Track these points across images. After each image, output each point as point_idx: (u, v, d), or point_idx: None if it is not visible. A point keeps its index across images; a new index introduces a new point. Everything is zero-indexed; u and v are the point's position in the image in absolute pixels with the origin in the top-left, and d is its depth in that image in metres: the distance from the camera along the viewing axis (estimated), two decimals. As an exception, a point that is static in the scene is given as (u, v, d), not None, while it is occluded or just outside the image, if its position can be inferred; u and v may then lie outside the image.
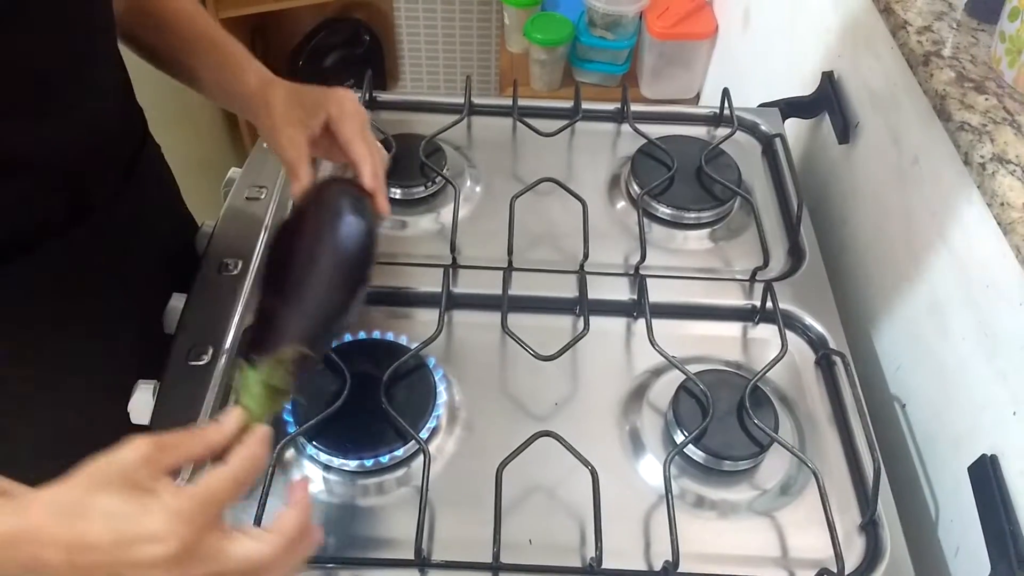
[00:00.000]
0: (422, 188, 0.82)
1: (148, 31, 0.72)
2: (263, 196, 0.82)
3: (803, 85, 1.00)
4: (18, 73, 0.55)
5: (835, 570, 0.58)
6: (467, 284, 0.75)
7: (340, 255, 0.58)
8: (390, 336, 0.69)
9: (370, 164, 0.64)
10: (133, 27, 0.71)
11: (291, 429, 0.62)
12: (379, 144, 0.67)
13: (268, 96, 0.66)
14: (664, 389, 0.68)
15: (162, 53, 0.73)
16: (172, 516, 0.40)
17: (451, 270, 0.75)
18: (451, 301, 0.74)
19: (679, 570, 0.57)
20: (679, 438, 0.64)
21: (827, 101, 0.93)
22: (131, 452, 0.42)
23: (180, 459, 0.44)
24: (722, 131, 0.92)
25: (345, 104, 0.66)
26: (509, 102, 0.92)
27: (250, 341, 0.53)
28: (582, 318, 0.71)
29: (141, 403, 0.66)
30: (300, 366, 0.51)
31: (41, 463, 0.71)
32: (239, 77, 0.68)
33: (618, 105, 0.93)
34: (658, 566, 0.59)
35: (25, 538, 0.41)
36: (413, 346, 0.67)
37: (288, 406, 0.63)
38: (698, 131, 0.93)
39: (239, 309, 0.71)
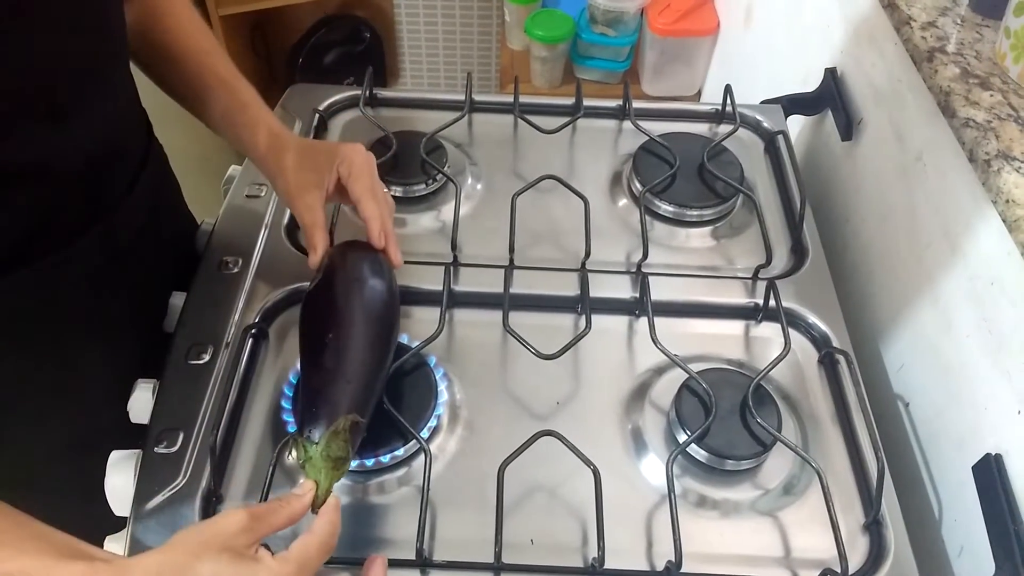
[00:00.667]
0: (423, 186, 0.82)
1: (155, 62, 0.72)
2: (263, 194, 0.81)
3: (806, 82, 1.00)
4: (35, 77, 0.55)
5: (839, 570, 0.57)
6: (468, 282, 0.75)
7: (372, 322, 0.62)
8: (391, 335, 0.68)
9: (378, 223, 0.66)
10: (140, 55, 0.71)
11: (291, 429, 0.62)
12: (387, 194, 0.69)
13: (280, 160, 0.68)
14: (666, 388, 0.68)
15: (170, 86, 0.73)
16: None
17: (452, 268, 0.75)
18: (452, 299, 0.73)
19: (682, 570, 0.57)
20: (682, 437, 0.63)
21: (830, 98, 0.92)
22: (229, 521, 0.46)
23: (270, 529, 0.48)
24: (724, 128, 0.91)
25: (354, 161, 0.67)
26: (510, 99, 0.91)
27: (303, 418, 0.56)
28: (584, 316, 0.71)
29: (141, 402, 0.66)
30: (354, 433, 0.55)
31: (47, 464, 0.71)
32: (250, 132, 0.70)
33: (620, 102, 0.93)
34: (661, 566, 0.58)
35: None
36: (414, 345, 0.66)
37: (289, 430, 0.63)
38: (700, 128, 0.92)
39: (239, 307, 0.71)
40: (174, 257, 0.78)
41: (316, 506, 0.52)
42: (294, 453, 0.56)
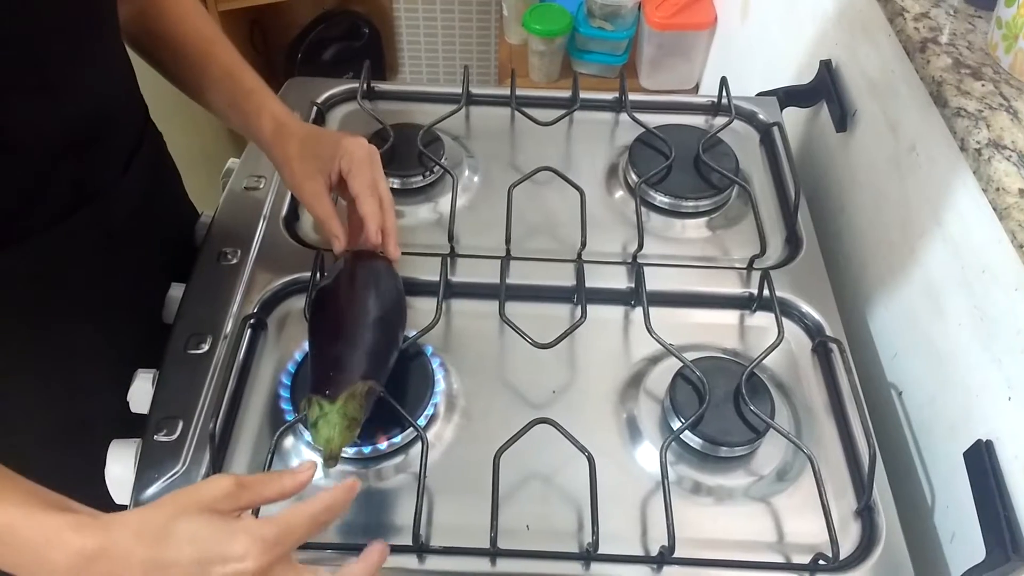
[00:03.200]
0: (420, 178, 0.83)
1: (159, 50, 0.73)
2: (262, 186, 0.82)
3: (801, 74, 1.00)
4: (19, 48, 0.55)
5: (830, 555, 0.58)
6: (465, 273, 0.75)
7: (384, 309, 0.64)
8: (388, 324, 0.69)
9: (376, 220, 0.67)
10: (144, 44, 0.72)
11: (289, 416, 0.63)
12: (387, 190, 0.69)
13: (285, 148, 0.69)
14: (661, 376, 0.68)
15: (174, 74, 0.74)
16: (254, 540, 0.44)
17: (449, 259, 0.75)
18: (449, 290, 0.74)
19: (675, 555, 0.58)
20: (676, 425, 0.64)
21: (825, 89, 0.93)
22: (214, 486, 0.46)
23: (257, 499, 0.48)
24: (720, 120, 0.92)
25: (355, 155, 0.68)
26: (507, 92, 0.91)
27: (320, 380, 0.57)
28: (580, 306, 0.71)
29: (140, 392, 0.67)
30: (368, 398, 0.57)
31: (43, 452, 0.72)
32: (255, 120, 0.70)
33: (616, 94, 0.93)
34: (654, 551, 0.59)
35: (108, 555, 0.44)
36: (411, 334, 0.67)
37: (285, 402, 0.64)
38: (696, 120, 0.93)
39: (238, 298, 0.72)
40: (173, 246, 0.79)
41: (329, 458, 0.54)
42: (306, 414, 0.57)
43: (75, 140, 0.62)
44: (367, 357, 0.59)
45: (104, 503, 0.62)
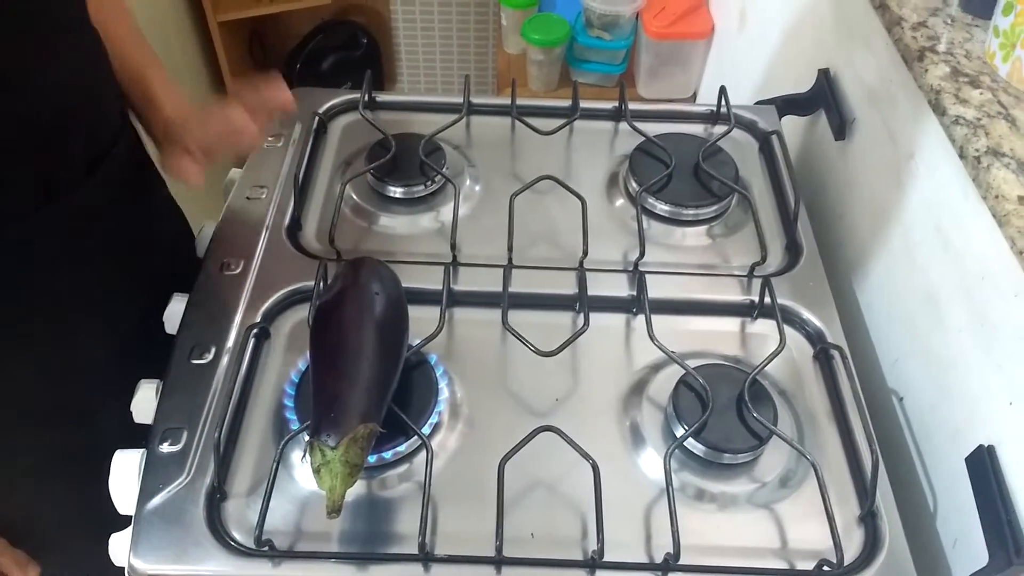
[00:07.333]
0: (422, 187, 0.83)
1: None
2: (263, 196, 0.82)
3: (799, 82, 1.01)
4: None
5: (834, 561, 0.58)
6: (467, 282, 0.76)
7: (386, 334, 0.63)
8: (391, 333, 0.69)
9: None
10: None
11: (294, 426, 0.63)
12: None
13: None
14: (664, 384, 0.68)
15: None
16: None
17: (451, 268, 0.76)
18: (452, 298, 0.74)
19: (680, 562, 0.58)
20: (679, 432, 0.64)
21: (823, 98, 0.93)
22: None
23: None
24: (719, 129, 0.92)
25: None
26: (508, 101, 0.92)
27: (320, 420, 0.57)
28: (582, 314, 0.72)
29: (144, 402, 0.67)
30: (369, 440, 0.57)
31: (47, 463, 0.72)
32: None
33: (616, 104, 0.94)
34: (659, 558, 0.59)
35: None
36: (415, 343, 0.67)
37: (289, 404, 0.64)
38: (695, 129, 0.93)
39: (241, 308, 0.72)
40: (173, 260, 0.79)
41: (332, 511, 0.54)
42: (308, 457, 0.56)
43: (35, 135, 0.61)
44: (367, 396, 0.59)
45: (108, 513, 0.63)
